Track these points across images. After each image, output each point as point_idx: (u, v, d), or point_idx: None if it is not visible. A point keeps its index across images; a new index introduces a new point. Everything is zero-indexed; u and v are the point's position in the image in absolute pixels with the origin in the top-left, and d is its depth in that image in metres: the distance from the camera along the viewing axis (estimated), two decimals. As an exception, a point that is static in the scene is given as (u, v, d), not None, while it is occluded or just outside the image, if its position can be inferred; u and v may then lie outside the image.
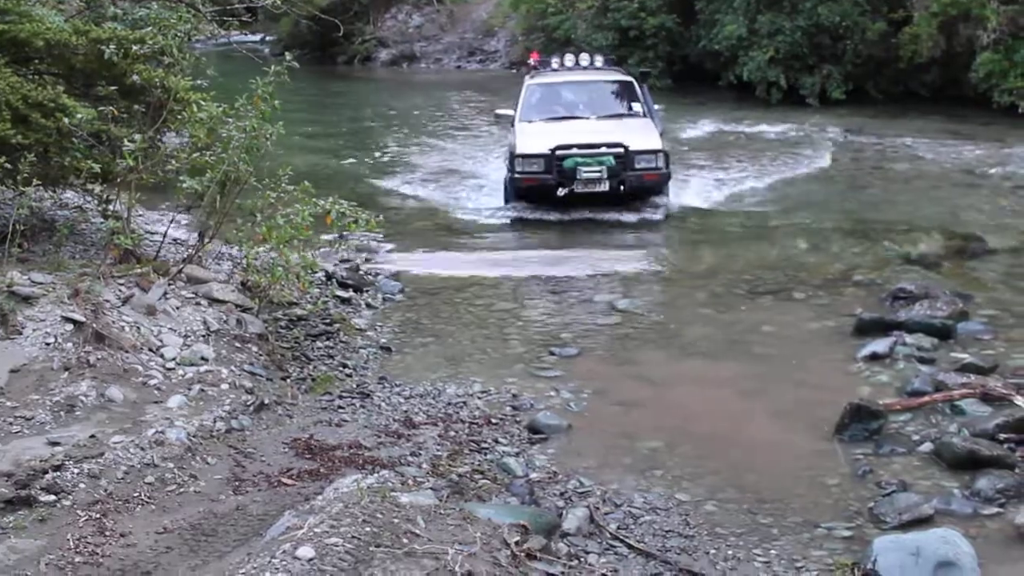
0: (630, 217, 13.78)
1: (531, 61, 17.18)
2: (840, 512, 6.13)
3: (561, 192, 13.40)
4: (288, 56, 9.55)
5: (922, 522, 5.87)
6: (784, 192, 16.05)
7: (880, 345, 8.76)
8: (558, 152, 13.42)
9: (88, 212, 9.52)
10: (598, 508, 6.03)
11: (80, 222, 9.49)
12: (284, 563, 4.58)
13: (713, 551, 5.67)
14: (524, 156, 13.68)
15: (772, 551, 5.67)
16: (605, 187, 13.32)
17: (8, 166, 7.97)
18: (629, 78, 15.90)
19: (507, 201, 14.45)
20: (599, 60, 16.11)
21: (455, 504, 5.48)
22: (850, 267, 11.55)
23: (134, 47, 9.30)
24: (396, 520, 5.04)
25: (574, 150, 13.43)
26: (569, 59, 15.95)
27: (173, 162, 9.06)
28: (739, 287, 10.84)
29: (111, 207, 9.05)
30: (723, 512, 6.13)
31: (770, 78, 26.06)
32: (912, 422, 7.30)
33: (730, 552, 5.67)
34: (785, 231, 13.44)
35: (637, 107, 15.04)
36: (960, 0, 23.02)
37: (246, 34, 25.13)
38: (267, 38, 39.22)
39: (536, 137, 13.99)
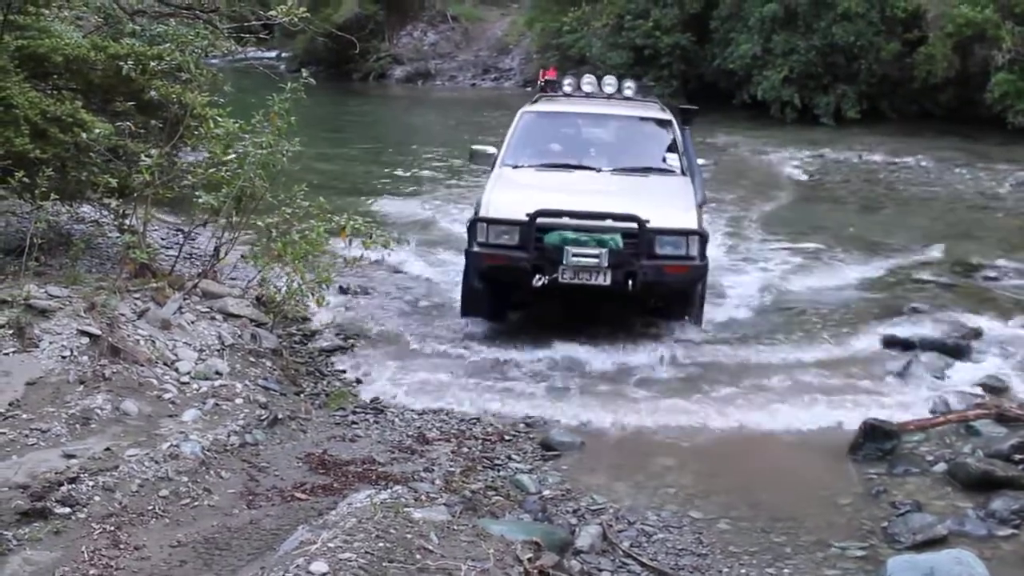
0: (630, 357, 9.05)
1: (542, 78, 12.51)
2: (853, 532, 6.10)
3: (538, 282, 8.76)
4: (304, 73, 9.61)
5: (936, 543, 5.85)
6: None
7: (894, 364, 8.75)
8: (540, 220, 8.81)
9: (104, 226, 9.57)
10: (611, 525, 6.02)
11: (96, 236, 9.54)
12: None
13: (726, 570, 5.65)
14: (491, 222, 9.03)
15: (785, 570, 5.65)
16: (604, 280, 8.75)
17: (26, 180, 8.03)
18: (668, 116, 10.99)
19: (465, 310, 9.71)
20: (629, 86, 11.50)
21: (468, 520, 5.48)
22: (864, 286, 11.53)
23: (152, 63, 9.38)
24: (409, 536, 5.04)
25: (564, 219, 8.83)
26: (589, 81, 11.42)
27: (189, 177, 9.11)
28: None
29: (127, 221, 9.10)
30: (736, 530, 6.11)
31: (784, 97, 26.12)
32: (926, 442, 7.28)
33: (743, 571, 5.65)
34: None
35: (673, 160, 10.38)
36: (975, 20, 23.06)
37: (262, 51, 25.29)
38: (283, 55, 39.41)
39: (515, 193, 9.45)
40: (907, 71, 25.04)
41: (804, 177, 19.23)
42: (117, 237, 9.37)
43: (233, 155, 8.95)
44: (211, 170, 9.04)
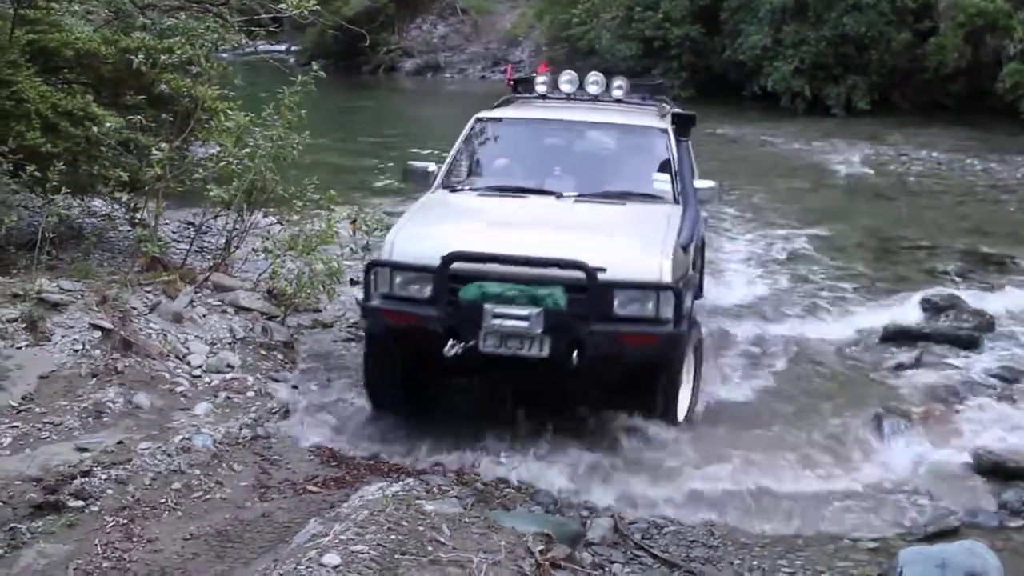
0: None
1: (509, 75, 10.33)
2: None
3: (451, 350, 6.37)
4: (314, 66, 9.61)
5: (948, 534, 5.84)
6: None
7: (907, 356, 8.74)
8: (455, 266, 6.44)
9: (116, 220, 9.59)
10: (622, 518, 6.02)
11: (108, 230, 9.57)
12: (310, 570, 4.60)
13: (738, 561, 5.65)
14: (395, 267, 6.67)
15: (797, 561, 5.64)
16: (540, 350, 6.36)
17: (38, 174, 8.05)
18: (661, 125, 8.39)
19: (374, 397, 7.18)
20: (620, 86, 8.96)
21: (480, 512, 5.49)
22: (876, 278, 11.51)
23: (162, 57, 9.39)
24: (421, 528, 5.06)
25: (490, 266, 6.43)
26: (568, 80, 8.96)
27: (200, 171, 9.13)
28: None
29: (139, 215, 9.12)
30: (748, 522, 6.10)
31: (795, 88, 26.06)
32: (938, 433, 7.26)
33: (755, 563, 5.64)
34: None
35: (663, 183, 7.89)
36: (986, 11, 22.99)
37: (272, 44, 25.29)
38: (292, 48, 39.42)
39: (435, 227, 7.13)
40: (918, 62, 24.98)
41: (813, 166, 19.19)
42: (128, 231, 9.39)
43: (245, 148, 8.96)
44: (222, 163, 9.06)
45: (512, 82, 9.62)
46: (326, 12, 20.06)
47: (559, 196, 7.51)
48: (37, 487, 5.55)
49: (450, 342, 6.34)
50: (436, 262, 6.41)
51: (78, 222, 9.53)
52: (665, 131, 8.23)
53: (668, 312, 6.36)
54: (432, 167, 8.18)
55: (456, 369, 6.96)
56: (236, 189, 8.83)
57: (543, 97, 9.05)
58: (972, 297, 10.37)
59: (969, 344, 9.01)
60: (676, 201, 7.62)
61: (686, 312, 6.61)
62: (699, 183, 8.07)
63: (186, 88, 9.46)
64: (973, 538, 5.60)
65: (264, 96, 9.63)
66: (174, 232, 10.41)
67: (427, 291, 6.52)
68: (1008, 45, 23.08)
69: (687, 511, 6.10)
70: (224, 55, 14.37)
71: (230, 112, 9.17)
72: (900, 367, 8.56)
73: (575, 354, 6.32)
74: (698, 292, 8.98)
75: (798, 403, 7.88)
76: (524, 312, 6.25)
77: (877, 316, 9.93)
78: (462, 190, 7.93)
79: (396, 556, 4.78)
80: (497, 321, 6.28)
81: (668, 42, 28.84)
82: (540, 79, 9.08)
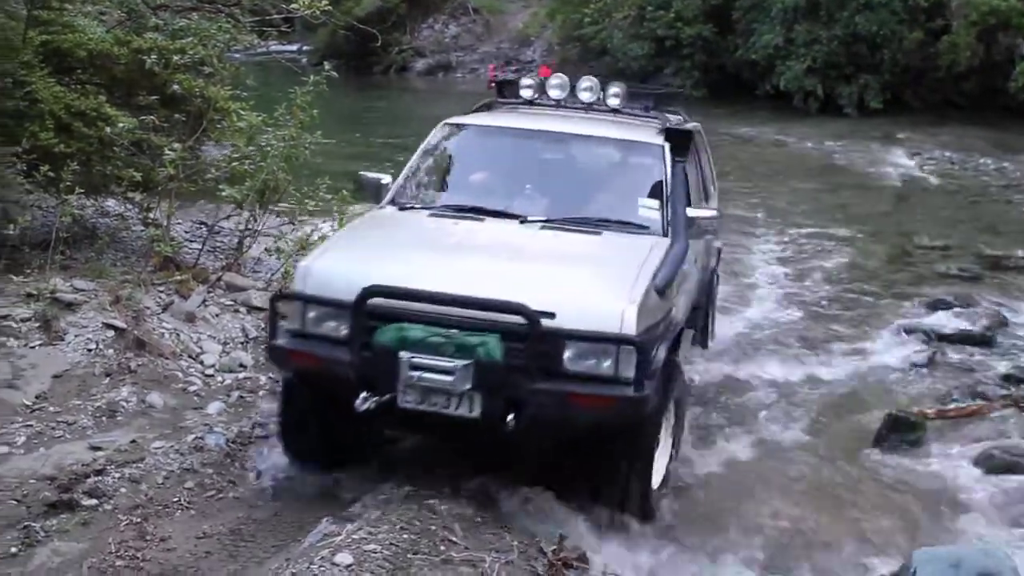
0: None
1: (492, 76, 8.92)
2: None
3: (363, 404, 5.30)
4: (326, 66, 9.62)
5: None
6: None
7: (920, 355, 8.72)
8: (372, 302, 5.39)
9: (129, 220, 9.61)
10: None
11: (121, 230, 9.58)
12: (323, 569, 4.61)
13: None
14: (307, 300, 5.62)
15: (809, 563, 5.63)
16: (468, 410, 5.30)
17: (51, 174, 8.07)
18: (656, 141, 7.03)
19: (288, 444, 6.16)
20: (616, 93, 7.62)
21: (492, 512, 5.49)
22: (890, 279, 11.49)
23: (175, 57, 9.41)
24: (433, 527, 5.07)
25: (414, 305, 5.37)
26: (558, 84, 7.70)
27: (213, 170, 9.14)
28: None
29: (151, 215, 9.14)
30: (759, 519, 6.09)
31: (807, 88, 26.01)
32: (951, 433, 7.24)
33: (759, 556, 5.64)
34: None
35: (649, 211, 6.62)
36: (999, 9, 22.93)
37: (284, 44, 25.30)
38: (304, 48, 39.41)
39: (362, 252, 6.06)
40: (931, 60, 24.91)
41: (828, 166, 19.17)
42: (141, 231, 9.41)
43: (256, 147, 8.98)
44: (234, 163, 9.08)
45: (495, 84, 8.32)
46: (338, 12, 20.09)
47: (523, 221, 6.29)
48: (51, 485, 5.57)
49: (363, 394, 5.24)
50: (352, 297, 5.32)
51: (91, 222, 9.55)
52: (659, 148, 6.89)
53: (629, 371, 5.18)
54: (385, 179, 6.94)
55: (383, 422, 5.90)
56: (248, 189, 8.85)
57: (529, 103, 7.76)
58: (985, 296, 10.35)
59: (983, 342, 9.00)
60: (664, 233, 6.34)
61: (654, 369, 5.39)
62: (698, 211, 6.84)
63: (198, 88, 9.47)
64: (988, 539, 5.59)
65: (276, 96, 9.64)
66: (187, 232, 10.42)
67: (344, 330, 5.43)
68: (1021, 44, 23.01)
69: None
70: (236, 55, 14.38)
71: (242, 112, 9.19)
72: (915, 366, 8.54)
73: (510, 420, 5.14)
74: (702, 339, 8.33)
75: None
76: (448, 363, 5.10)
77: (890, 315, 9.91)
78: (412, 208, 6.70)
79: (408, 555, 4.79)
80: (415, 373, 5.13)
81: (680, 41, 28.79)
82: (525, 82, 7.81)
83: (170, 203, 9.01)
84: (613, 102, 7.59)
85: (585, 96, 7.59)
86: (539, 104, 7.78)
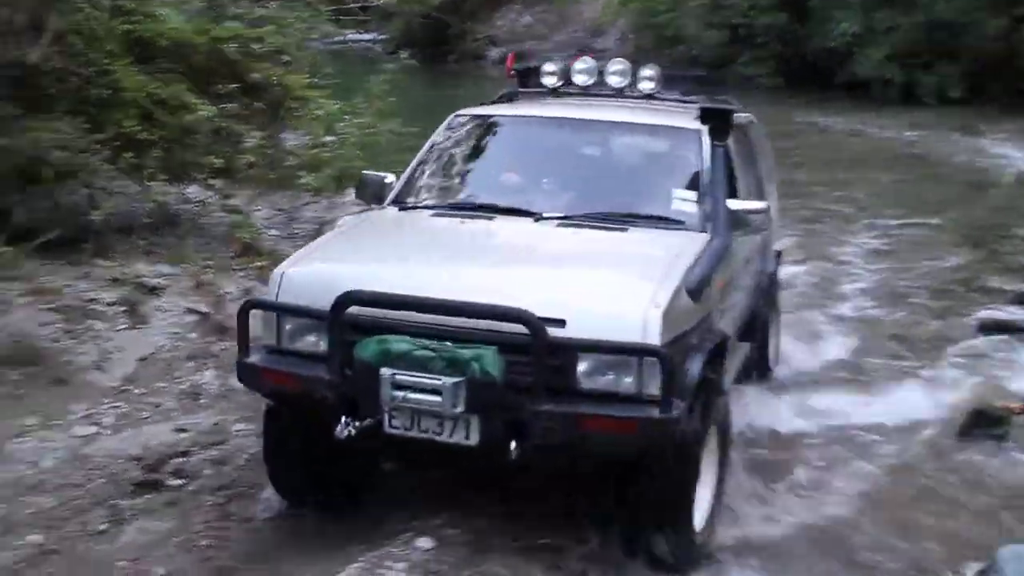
0: None
1: (511, 64, 7.82)
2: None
3: (343, 429, 4.54)
4: (403, 54, 9.70)
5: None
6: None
7: (1005, 349, 8.57)
8: (353, 312, 4.60)
9: (210, 206, 9.76)
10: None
11: (202, 216, 9.73)
12: (404, 552, 4.65)
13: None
14: (282, 310, 4.87)
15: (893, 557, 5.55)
16: (463, 436, 4.50)
17: (135, 161, 8.22)
18: (692, 126, 6.13)
19: (275, 481, 5.41)
20: (650, 75, 6.80)
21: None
22: (972, 273, 11.29)
23: (254, 46, 9.53)
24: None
25: (401, 314, 4.59)
26: (584, 69, 6.88)
27: (291, 158, 9.25)
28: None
29: (232, 202, 9.26)
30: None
31: (886, 76, 25.60)
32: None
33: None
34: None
35: (684, 204, 5.77)
36: (1087, -5, 22.37)
37: (360, 33, 25.47)
38: (380, 37, 39.63)
39: (343, 257, 5.34)
40: (1014, 48, 24.37)
41: (908, 156, 18.88)
42: (222, 217, 9.55)
43: (334, 135, 9.08)
44: (313, 151, 9.18)
45: (514, 73, 7.49)
46: (414, 1, 20.24)
47: (538, 218, 5.49)
48: (138, 466, 5.68)
49: (343, 419, 4.50)
50: (328, 305, 4.55)
51: (174, 208, 9.70)
52: (696, 134, 6.00)
53: (654, 387, 4.35)
54: (389, 177, 6.13)
55: (374, 453, 5.29)
56: (326, 177, 8.94)
57: (552, 92, 6.96)
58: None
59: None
60: (702, 228, 5.49)
61: (687, 387, 4.55)
62: (742, 204, 5.86)
63: (277, 77, 9.58)
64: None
65: (353, 85, 9.72)
66: (266, 219, 10.54)
67: (315, 342, 4.75)
68: (1108, 31, 22.47)
69: None
70: (313, 43, 14.54)
71: (320, 100, 9.28)
72: (1000, 360, 8.39)
73: (512, 447, 4.36)
74: (762, 366, 7.44)
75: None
76: (435, 381, 4.32)
77: (979, 308, 9.72)
78: (414, 207, 5.94)
79: (489, 541, 4.81)
80: (399, 393, 4.37)
81: (754, 29, 28.50)
82: (547, 69, 6.99)
83: (251, 190, 9.13)
84: (646, 87, 6.75)
85: (614, 81, 6.76)
86: (564, 93, 6.95)
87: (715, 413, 5.00)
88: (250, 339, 4.85)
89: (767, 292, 7.49)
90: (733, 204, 5.69)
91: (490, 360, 4.32)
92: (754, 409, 6.89)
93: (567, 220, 5.47)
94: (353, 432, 4.49)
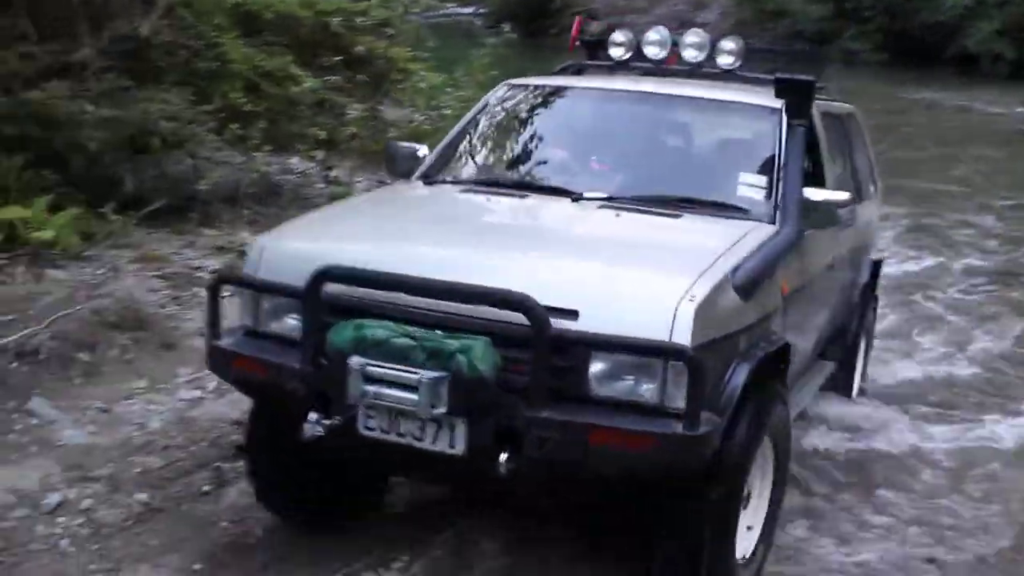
0: None
1: (576, 30, 6.89)
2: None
3: (311, 429, 3.74)
4: (505, 27, 9.72)
5: None
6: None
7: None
8: (331, 291, 3.85)
9: (311, 177, 9.90)
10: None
11: (304, 187, 9.87)
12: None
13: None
14: (258, 287, 4.11)
15: None
16: (449, 445, 3.70)
17: (240, 132, 8.38)
18: (765, 103, 5.25)
19: (260, 493, 4.66)
20: (731, 49, 5.85)
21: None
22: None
23: (358, 19, 9.64)
24: None
25: (386, 296, 3.80)
26: (656, 40, 6.03)
27: (393, 129, 9.34)
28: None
29: (333, 173, 9.39)
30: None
31: (996, 51, 24.94)
32: None
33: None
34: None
35: (751, 190, 4.93)
36: None
37: (460, 6, 25.61)
38: (480, 11, 39.72)
39: (333, 230, 4.60)
40: None
41: (1019, 133, 18.39)
42: (323, 188, 9.68)
43: (436, 108, 9.14)
44: (414, 123, 9.26)
45: (579, 43, 6.68)
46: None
47: (577, 198, 4.74)
48: (239, 429, 5.81)
49: (312, 416, 3.75)
50: (303, 281, 3.85)
51: (276, 178, 9.86)
52: (769, 111, 5.21)
53: (678, 398, 3.56)
54: (423, 150, 5.50)
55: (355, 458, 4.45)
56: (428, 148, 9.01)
57: (621, 65, 6.11)
58: None
59: None
60: (771, 219, 4.68)
61: (725, 399, 3.78)
62: (822, 194, 4.96)
63: (381, 50, 9.68)
64: None
65: (453, 57, 9.77)
66: (366, 190, 10.65)
67: (284, 323, 4.11)
68: None
69: None
70: (414, 17, 14.64)
71: (423, 72, 9.35)
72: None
73: (503, 458, 3.59)
74: (846, 380, 6.68)
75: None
76: (412, 375, 3.56)
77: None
78: (442, 182, 5.23)
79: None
80: (371, 388, 3.62)
81: (861, 3, 27.94)
82: (616, 39, 6.08)
83: (352, 161, 9.24)
84: (725, 62, 5.81)
85: (689, 55, 5.90)
86: (635, 67, 6.12)
87: (769, 431, 4.18)
88: (223, 319, 4.19)
89: (858, 307, 6.69)
90: (812, 194, 4.84)
91: (480, 353, 3.55)
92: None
93: (612, 202, 4.71)
94: (322, 432, 3.74)
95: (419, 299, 3.73)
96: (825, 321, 5.75)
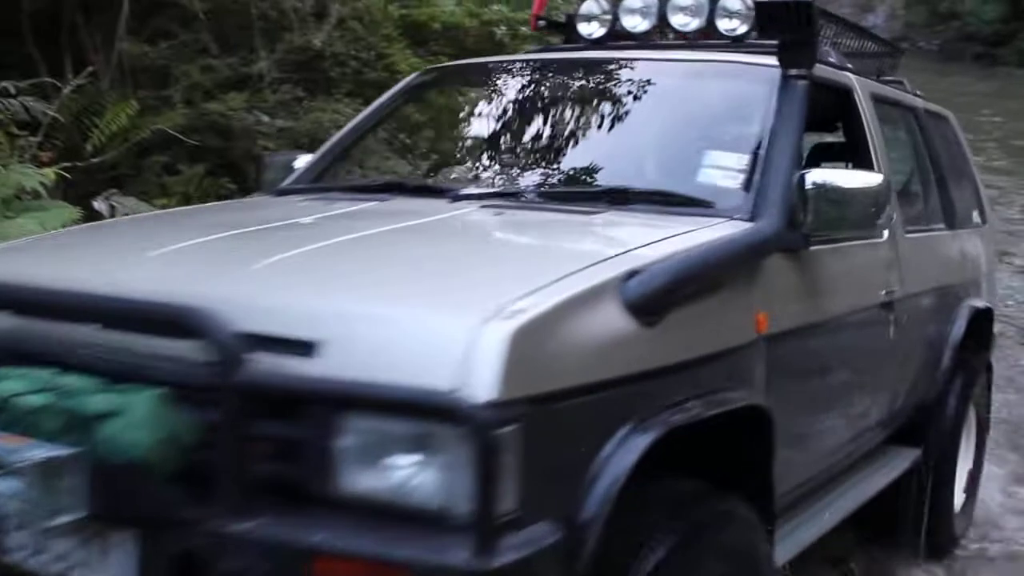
0: None
1: (535, 11, 5.00)
2: None
3: None
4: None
5: None
6: None
7: None
8: None
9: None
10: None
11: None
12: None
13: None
14: None
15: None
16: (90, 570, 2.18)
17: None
18: (753, 60, 3.80)
19: None
20: (738, 10, 4.13)
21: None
22: None
23: (521, 28, 9.74)
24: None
25: (44, 327, 2.45)
26: (638, 7, 4.39)
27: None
28: None
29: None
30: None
31: None
32: None
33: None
34: None
35: (719, 176, 3.40)
36: None
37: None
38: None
39: (46, 247, 3.38)
40: None
41: None
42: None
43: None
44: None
45: (544, 24, 5.06)
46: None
47: (454, 198, 3.47)
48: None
49: None
50: None
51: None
52: (756, 71, 3.76)
53: (462, 498, 2.06)
54: (301, 159, 4.36)
55: None
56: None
57: (596, 44, 4.55)
58: None
59: None
60: (750, 215, 3.17)
61: (597, 498, 2.25)
62: (829, 174, 3.30)
63: (543, 58, 9.76)
64: None
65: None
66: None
67: None
68: None
69: None
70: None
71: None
72: None
73: None
74: (925, 526, 4.75)
75: None
76: (20, 456, 2.08)
77: None
78: (295, 191, 4.06)
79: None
80: None
81: (1040, 3, 26.85)
82: (583, 11, 4.59)
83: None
84: (728, 27, 4.23)
85: (679, 22, 4.32)
86: (614, 45, 4.52)
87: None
88: None
89: (945, 376, 4.73)
90: (817, 176, 3.25)
91: (139, 417, 2.14)
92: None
93: (504, 199, 3.50)
94: None
95: (77, 328, 2.43)
96: (870, 393, 4.07)
